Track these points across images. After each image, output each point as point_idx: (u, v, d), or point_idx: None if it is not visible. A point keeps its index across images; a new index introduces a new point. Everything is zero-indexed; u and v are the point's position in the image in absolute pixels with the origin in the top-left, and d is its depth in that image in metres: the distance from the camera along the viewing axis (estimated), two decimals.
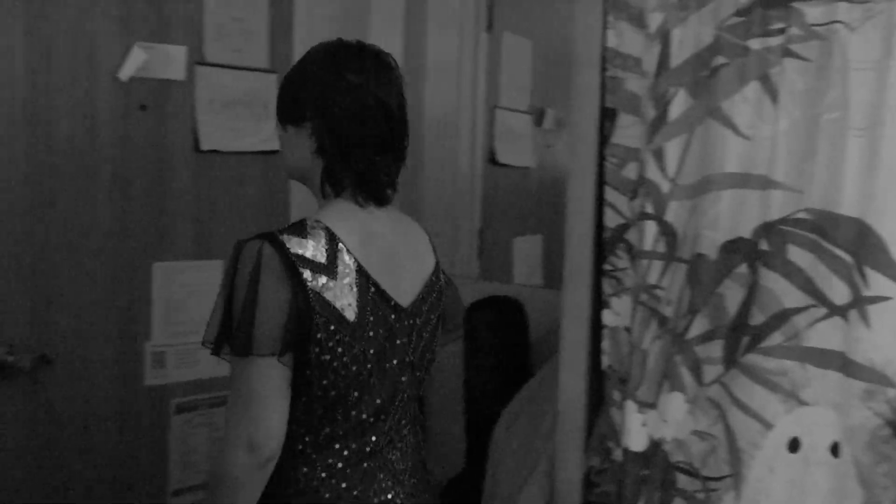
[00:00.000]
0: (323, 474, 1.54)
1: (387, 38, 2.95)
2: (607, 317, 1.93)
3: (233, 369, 1.48)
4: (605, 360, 1.94)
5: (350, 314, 1.50)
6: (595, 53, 1.91)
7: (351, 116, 1.52)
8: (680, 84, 1.81)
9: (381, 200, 1.60)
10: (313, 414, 1.53)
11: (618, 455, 1.91)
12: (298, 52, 2.73)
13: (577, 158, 1.95)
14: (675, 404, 1.83)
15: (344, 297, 1.49)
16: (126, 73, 2.31)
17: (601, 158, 1.93)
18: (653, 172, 1.84)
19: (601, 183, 1.93)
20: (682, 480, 1.83)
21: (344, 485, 1.55)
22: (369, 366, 1.54)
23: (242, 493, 1.48)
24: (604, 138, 1.92)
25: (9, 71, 2.12)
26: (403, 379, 1.62)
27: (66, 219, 2.25)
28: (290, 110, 1.59)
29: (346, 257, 1.50)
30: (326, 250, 1.49)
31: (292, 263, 1.45)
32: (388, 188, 1.60)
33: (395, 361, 1.59)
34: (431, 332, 1.69)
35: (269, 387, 1.45)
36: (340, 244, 1.51)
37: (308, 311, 1.45)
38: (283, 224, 1.56)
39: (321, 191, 1.59)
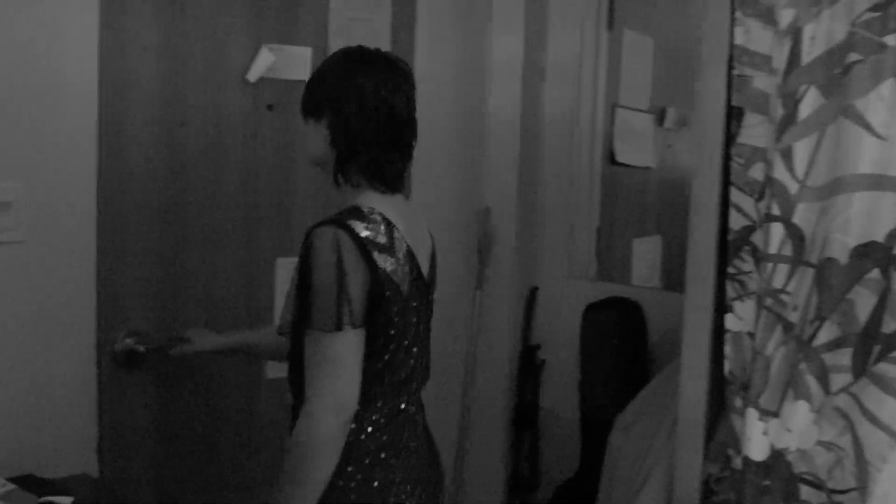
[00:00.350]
0: (369, 428, 1.70)
1: (507, 36, 2.96)
2: (730, 321, 1.89)
3: (317, 344, 1.62)
4: (727, 366, 1.90)
5: (405, 288, 1.70)
6: (722, 51, 1.87)
7: (358, 114, 1.70)
8: (811, 82, 1.76)
9: (393, 189, 1.77)
10: (365, 375, 1.68)
11: (738, 463, 1.86)
12: (421, 51, 2.79)
13: (701, 158, 1.91)
14: (799, 413, 1.78)
15: (402, 274, 1.69)
16: (254, 74, 2.38)
17: (726, 158, 1.89)
18: (780, 173, 1.79)
19: (726, 184, 1.89)
20: (806, 492, 1.78)
21: (385, 437, 1.72)
22: (411, 332, 1.75)
23: (332, 454, 1.63)
24: (729, 138, 1.88)
25: (147, 72, 2.21)
26: (423, 343, 1.83)
27: (197, 214, 2.33)
28: (310, 105, 1.77)
29: (400, 238, 1.70)
30: (385, 233, 1.67)
31: (363, 245, 1.62)
32: (397, 181, 1.77)
33: (421, 327, 1.81)
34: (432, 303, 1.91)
35: (354, 355, 1.64)
36: (395, 228, 1.69)
37: (380, 287, 1.64)
38: None
39: (335, 179, 1.76)
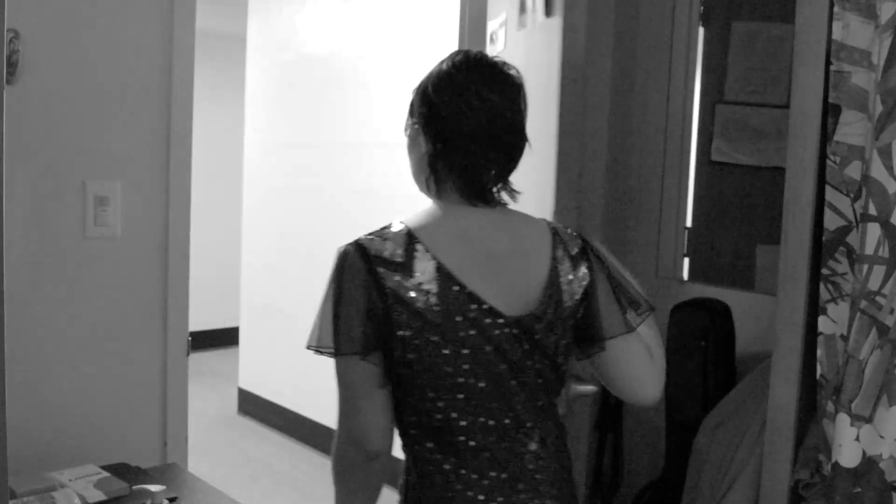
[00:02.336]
0: (409, 478, 1.60)
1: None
2: (823, 324, 1.84)
3: (336, 367, 1.55)
4: (819, 369, 1.85)
5: (435, 316, 1.49)
6: (819, 47, 1.82)
7: (448, 104, 1.54)
8: None
9: (483, 198, 1.58)
10: (400, 414, 1.58)
11: (828, 469, 1.82)
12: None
13: (796, 157, 1.87)
14: (893, 419, 1.72)
15: (424, 296, 1.49)
16: None
17: (822, 157, 1.84)
18: (878, 172, 1.74)
19: (821, 183, 1.85)
20: None
21: (421, 496, 1.58)
22: (465, 367, 1.51)
23: (349, 484, 1.61)
24: (825, 136, 1.83)
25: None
26: (495, 385, 1.55)
27: None
28: (410, 107, 1.63)
29: (425, 255, 1.51)
30: (404, 248, 1.50)
31: (370, 262, 1.49)
32: (492, 185, 1.58)
33: (503, 367, 1.54)
34: (556, 343, 1.59)
35: (357, 385, 1.53)
36: (419, 244, 1.51)
37: (386, 309, 1.48)
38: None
39: (426, 185, 1.61)
